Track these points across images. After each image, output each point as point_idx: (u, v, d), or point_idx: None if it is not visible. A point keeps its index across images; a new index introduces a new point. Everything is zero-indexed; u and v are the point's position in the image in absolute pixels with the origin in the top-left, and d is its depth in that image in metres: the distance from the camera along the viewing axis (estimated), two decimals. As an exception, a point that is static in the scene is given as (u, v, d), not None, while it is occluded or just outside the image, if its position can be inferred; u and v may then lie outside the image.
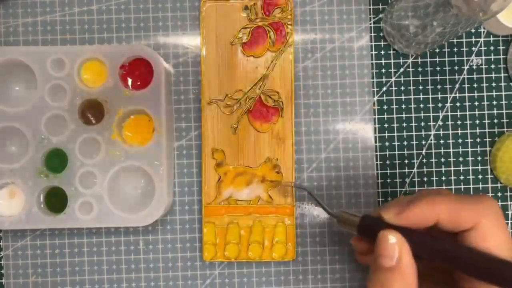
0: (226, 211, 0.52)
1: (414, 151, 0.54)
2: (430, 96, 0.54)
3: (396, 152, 0.54)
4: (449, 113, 0.54)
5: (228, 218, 0.52)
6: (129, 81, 0.50)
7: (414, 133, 0.54)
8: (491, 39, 0.54)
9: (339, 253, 0.53)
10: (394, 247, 0.36)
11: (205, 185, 0.52)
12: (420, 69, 0.54)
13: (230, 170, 0.52)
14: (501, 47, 0.54)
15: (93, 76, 0.49)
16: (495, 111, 0.54)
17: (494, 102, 0.54)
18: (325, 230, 0.53)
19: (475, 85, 0.54)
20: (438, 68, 0.54)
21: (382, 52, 0.54)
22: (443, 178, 0.54)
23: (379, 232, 0.37)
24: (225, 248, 0.52)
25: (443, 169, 0.54)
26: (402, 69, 0.54)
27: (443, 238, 0.37)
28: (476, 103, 0.54)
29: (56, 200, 0.50)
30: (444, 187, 0.54)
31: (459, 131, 0.54)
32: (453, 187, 0.54)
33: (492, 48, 0.54)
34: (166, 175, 0.49)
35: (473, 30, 0.54)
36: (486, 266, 0.34)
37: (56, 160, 0.49)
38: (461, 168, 0.54)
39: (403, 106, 0.54)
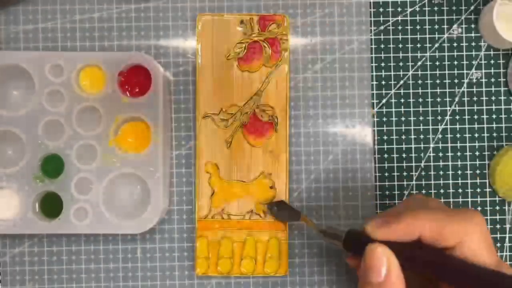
0: (219, 225, 0.52)
1: (413, 164, 0.53)
2: (430, 109, 0.54)
3: (395, 164, 0.54)
4: (448, 126, 0.54)
5: (221, 233, 0.52)
6: (127, 88, 0.50)
7: (413, 146, 0.53)
8: (491, 52, 0.54)
9: (333, 267, 0.53)
10: (382, 262, 0.36)
11: (199, 198, 0.52)
12: (420, 81, 0.54)
13: (224, 184, 0.52)
14: (501, 61, 0.54)
15: (91, 83, 0.50)
16: (494, 125, 0.54)
17: (494, 116, 0.54)
18: (319, 244, 0.53)
19: (475, 98, 0.54)
20: (438, 81, 0.54)
21: (382, 64, 0.54)
22: (442, 191, 0.53)
23: (367, 246, 0.37)
24: (218, 263, 0.51)
25: (441, 182, 0.53)
26: (402, 82, 0.54)
27: (432, 249, 0.36)
28: (476, 117, 0.54)
29: (51, 206, 0.49)
30: (442, 200, 0.53)
31: (458, 144, 0.54)
32: (451, 200, 0.53)
33: (492, 62, 0.54)
34: (162, 183, 0.49)
35: (473, 44, 0.54)
36: (476, 277, 0.34)
37: (53, 166, 0.49)
38: (460, 181, 0.53)
39: (403, 119, 0.54)
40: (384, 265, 0.35)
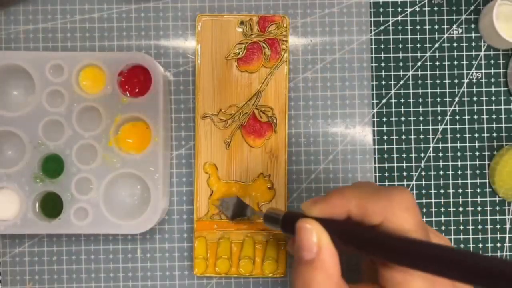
0: (218, 226, 0.52)
1: (413, 164, 0.54)
2: (430, 109, 0.54)
3: (395, 165, 0.54)
4: (448, 126, 0.54)
5: (220, 233, 0.52)
6: (127, 88, 0.50)
7: (413, 146, 0.54)
8: (491, 53, 0.54)
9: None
10: (312, 237, 0.35)
11: (197, 199, 0.52)
12: (420, 81, 0.54)
13: (222, 184, 0.52)
14: (501, 61, 0.54)
15: (91, 83, 0.50)
16: (494, 125, 0.54)
17: (494, 116, 0.54)
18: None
19: (475, 98, 0.54)
20: (438, 81, 0.54)
21: (382, 65, 0.54)
22: (442, 191, 0.53)
23: (297, 223, 0.37)
24: (216, 263, 0.51)
25: (441, 182, 0.53)
26: (402, 82, 0.54)
27: (360, 226, 0.36)
28: (476, 117, 0.54)
29: (51, 206, 0.49)
30: (442, 200, 0.53)
31: (458, 145, 0.54)
32: (451, 200, 0.53)
33: (492, 62, 0.54)
34: (162, 183, 0.49)
35: (473, 44, 0.54)
36: (403, 248, 0.33)
37: (53, 166, 0.49)
38: (460, 181, 0.53)
39: (403, 119, 0.54)
40: (314, 241, 0.35)
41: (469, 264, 0.29)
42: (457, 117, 0.54)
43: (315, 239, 0.35)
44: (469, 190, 0.53)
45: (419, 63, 0.54)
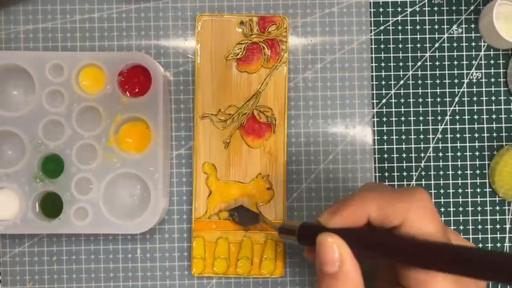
0: (216, 226, 0.52)
1: (413, 164, 0.54)
2: (430, 109, 0.54)
3: (395, 165, 0.54)
4: (448, 126, 0.54)
5: (218, 233, 0.52)
6: (127, 88, 0.50)
7: (413, 146, 0.53)
8: (491, 52, 0.54)
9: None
10: (334, 251, 0.35)
11: (196, 199, 0.52)
12: (420, 81, 0.54)
13: (221, 185, 0.52)
14: (501, 61, 0.54)
15: (91, 83, 0.50)
16: (494, 125, 0.54)
17: (494, 116, 0.54)
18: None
19: (475, 98, 0.54)
20: (438, 81, 0.54)
21: (382, 64, 0.54)
22: (442, 191, 0.53)
23: (318, 237, 0.36)
24: (214, 263, 0.51)
25: (441, 182, 0.53)
26: (402, 82, 0.54)
27: (381, 232, 0.36)
28: (476, 117, 0.54)
29: (51, 206, 0.50)
30: (442, 200, 0.53)
31: (458, 144, 0.54)
32: (451, 200, 0.53)
33: (492, 62, 0.54)
34: (162, 183, 0.49)
35: (473, 44, 0.54)
36: (427, 252, 0.33)
37: (53, 166, 0.49)
38: (460, 181, 0.53)
39: (403, 119, 0.54)
40: (337, 254, 0.35)
41: (496, 263, 0.29)
42: (457, 117, 0.54)
43: (337, 252, 0.35)
44: (469, 190, 0.53)
45: (419, 63, 0.54)
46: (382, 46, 0.54)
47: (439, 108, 0.54)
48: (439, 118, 0.54)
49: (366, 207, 0.36)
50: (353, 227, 0.37)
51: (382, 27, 0.54)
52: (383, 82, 0.54)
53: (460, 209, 0.53)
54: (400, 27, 0.54)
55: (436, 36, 0.54)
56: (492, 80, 0.54)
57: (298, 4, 0.54)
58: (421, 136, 0.54)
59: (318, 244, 0.36)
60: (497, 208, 0.53)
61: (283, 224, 0.45)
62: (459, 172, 0.53)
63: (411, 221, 0.35)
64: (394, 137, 0.54)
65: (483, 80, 0.54)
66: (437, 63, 0.54)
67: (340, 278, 0.35)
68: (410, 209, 0.35)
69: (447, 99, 0.54)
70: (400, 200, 0.35)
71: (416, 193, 0.36)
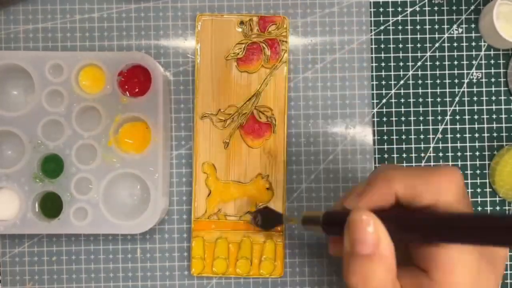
0: (216, 226, 0.52)
1: (413, 164, 0.53)
2: (430, 109, 0.54)
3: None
4: (448, 126, 0.54)
5: (217, 233, 0.52)
6: (127, 88, 0.50)
7: (413, 146, 0.53)
8: (492, 52, 0.54)
9: (333, 267, 0.53)
10: (370, 231, 0.32)
11: (196, 199, 0.52)
12: (420, 81, 0.54)
13: (221, 185, 0.52)
14: (501, 61, 0.54)
15: (91, 83, 0.49)
16: (494, 125, 0.54)
17: (494, 116, 0.54)
18: (320, 244, 0.53)
19: (475, 98, 0.54)
20: (438, 81, 0.54)
21: (383, 64, 0.54)
22: (442, 191, 0.53)
23: (350, 217, 0.33)
24: (213, 263, 0.51)
25: (441, 182, 0.53)
26: (402, 82, 0.54)
27: (414, 211, 0.34)
28: (476, 117, 0.54)
29: (51, 206, 0.49)
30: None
31: (458, 144, 0.53)
32: (451, 200, 0.53)
33: (492, 61, 0.54)
34: (162, 183, 0.49)
35: (473, 44, 0.54)
36: (471, 225, 0.30)
37: (52, 166, 0.49)
38: (460, 181, 0.53)
39: (403, 119, 0.54)
40: (372, 234, 0.32)
41: None
42: (457, 117, 0.54)
43: (373, 231, 0.32)
44: (469, 190, 0.53)
45: (419, 63, 0.54)
46: (382, 46, 0.54)
47: (439, 108, 0.54)
48: (439, 118, 0.54)
49: (393, 186, 0.34)
50: (382, 208, 0.35)
51: (382, 27, 0.54)
52: (383, 82, 0.54)
53: (460, 209, 0.53)
54: (400, 27, 0.54)
55: (436, 36, 0.54)
56: (492, 80, 0.54)
57: (298, 4, 0.54)
58: (421, 136, 0.54)
59: (350, 223, 0.33)
60: (497, 208, 0.53)
61: (305, 214, 0.43)
62: (459, 172, 0.53)
63: (445, 201, 0.33)
64: (394, 137, 0.53)
65: (483, 80, 0.54)
66: (437, 63, 0.54)
67: (375, 260, 0.32)
68: (441, 188, 0.33)
69: (447, 99, 0.54)
70: (430, 177, 0.34)
71: (448, 172, 0.34)
